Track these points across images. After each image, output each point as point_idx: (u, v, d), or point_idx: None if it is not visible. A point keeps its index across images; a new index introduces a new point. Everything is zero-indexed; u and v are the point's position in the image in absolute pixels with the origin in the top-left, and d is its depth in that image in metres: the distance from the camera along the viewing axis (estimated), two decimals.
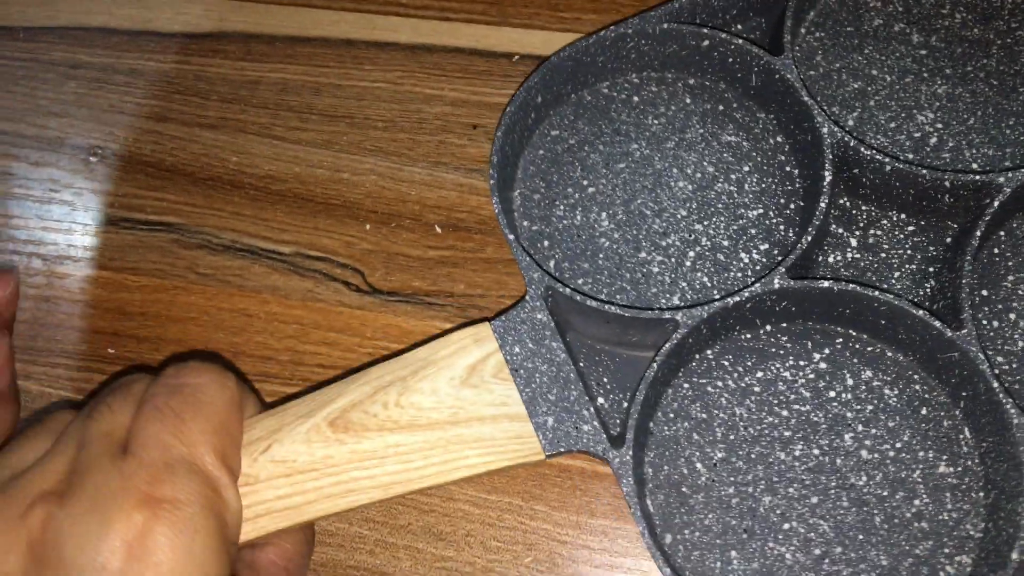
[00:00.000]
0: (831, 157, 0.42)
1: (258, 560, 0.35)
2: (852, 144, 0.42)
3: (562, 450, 0.38)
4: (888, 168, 0.41)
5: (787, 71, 0.43)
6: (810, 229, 0.40)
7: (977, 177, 0.40)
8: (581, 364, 0.42)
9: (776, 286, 0.40)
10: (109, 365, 0.46)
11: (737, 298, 0.40)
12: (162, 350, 0.46)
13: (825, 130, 0.42)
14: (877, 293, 0.39)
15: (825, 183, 0.41)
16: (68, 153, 0.51)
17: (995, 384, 0.37)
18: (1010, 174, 0.40)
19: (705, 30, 0.45)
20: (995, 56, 0.46)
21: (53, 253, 0.49)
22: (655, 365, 0.39)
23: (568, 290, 0.40)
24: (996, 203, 0.40)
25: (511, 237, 0.42)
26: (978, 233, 0.39)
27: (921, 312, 0.38)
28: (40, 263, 0.48)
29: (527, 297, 0.41)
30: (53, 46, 0.53)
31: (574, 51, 0.45)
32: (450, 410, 0.37)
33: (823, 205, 0.41)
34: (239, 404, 0.34)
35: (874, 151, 0.41)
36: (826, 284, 0.39)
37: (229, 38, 0.53)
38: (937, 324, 0.38)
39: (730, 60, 0.46)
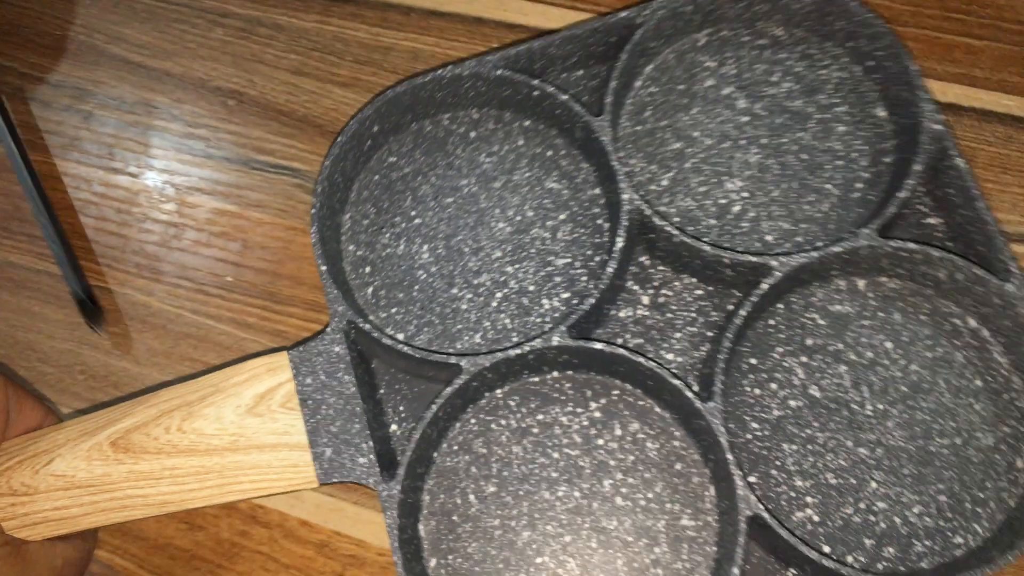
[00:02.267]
0: (626, 223, 0.44)
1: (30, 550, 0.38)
2: (647, 212, 0.44)
3: (335, 480, 0.41)
4: (676, 240, 0.44)
5: (602, 132, 0.46)
6: (595, 292, 0.43)
7: (753, 259, 0.43)
8: (382, 391, 0.46)
9: (555, 343, 0.43)
10: (227, 292, 0.50)
11: (518, 351, 0.43)
12: (277, 283, 0.50)
13: (625, 196, 0.45)
14: (642, 360, 0.42)
15: (616, 248, 0.44)
16: (209, 94, 0.54)
17: (729, 456, 0.41)
18: (783, 258, 0.43)
19: (535, 81, 0.47)
20: (811, 130, 0.49)
21: (185, 184, 0.52)
22: (434, 407, 0.42)
23: (367, 326, 0.43)
24: (766, 285, 0.43)
25: (323, 268, 0.44)
26: (742, 312, 0.43)
27: (677, 382, 0.42)
28: (172, 191, 0.52)
29: (328, 329, 0.44)
30: None
31: (411, 87, 0.47)
32: (231, 437, 0.40)
33: (610, 270, 0.44)
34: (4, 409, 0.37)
35: (664, 223, 0.44)
36: (599, 346, 0.43)
37: (368, 5, 0.55)
38: (688, 394, 0.42)
39: (557, 112, 0.48)
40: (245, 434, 0.40)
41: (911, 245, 0.43)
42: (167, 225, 0.52)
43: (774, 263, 0.43)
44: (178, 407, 0.40)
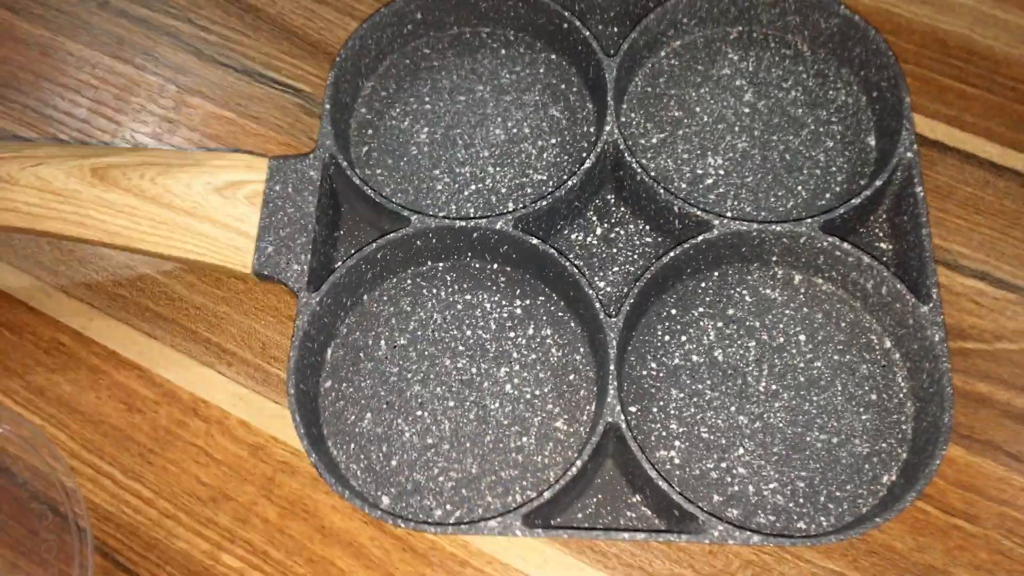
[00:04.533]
0: (599, 150, 0.48)
1: None
2: (621, 147, 0.48)
3: (266, 273, 0.46)
4: (639, 178, 0.48)
5: (608, 71, 0.50)
6: (550, 197, 0.47)
7: (698, 212, 0.46)
8: (341, 232, 0.50)
9: (498, 227, 0.47)
10: None
11: (464, 224, 0.47)
12: None
13: (607, 128, 0.48)
14: (567, 263, 0.45)
15: (583, 167, 0.48)
16: (228, 4, 0.57)
17: (611, 367, 0.43)
18: (725, 220, 0.46)
19: (566, 13, 0.51)
20: (802, 137, 0.52)
21: (188, 84, 0.55)
22: (374, 245, 0.46)
23: (344, 163, 0.48)
24: (701, 238, 0.46)
25: (327, 107, 0.49)
26: (672, 253, 0.46)
27: (590, 291, 0.45)
28: (174, 89, 0.55)
29: (311, 155, 0.48)
30: None
31: None
32: (192, 204, 0.45)
33: (571, 183, 0.47)
34: None
35: (632, 159, 0.48)
36: (534, 241, 0.46)
37: None
38: (596, 304, 0.45)
39: (579, 48, 0.52)
40: (205, 206, 0.45)
41: (845, 246, 0.46)
42: (162, 120, 0.54)
43: (715, 221, 0.46)
44: (159, 163, 0.46)
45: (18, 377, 0.48)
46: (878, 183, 0.47)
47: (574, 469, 0.42)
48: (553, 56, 0.54)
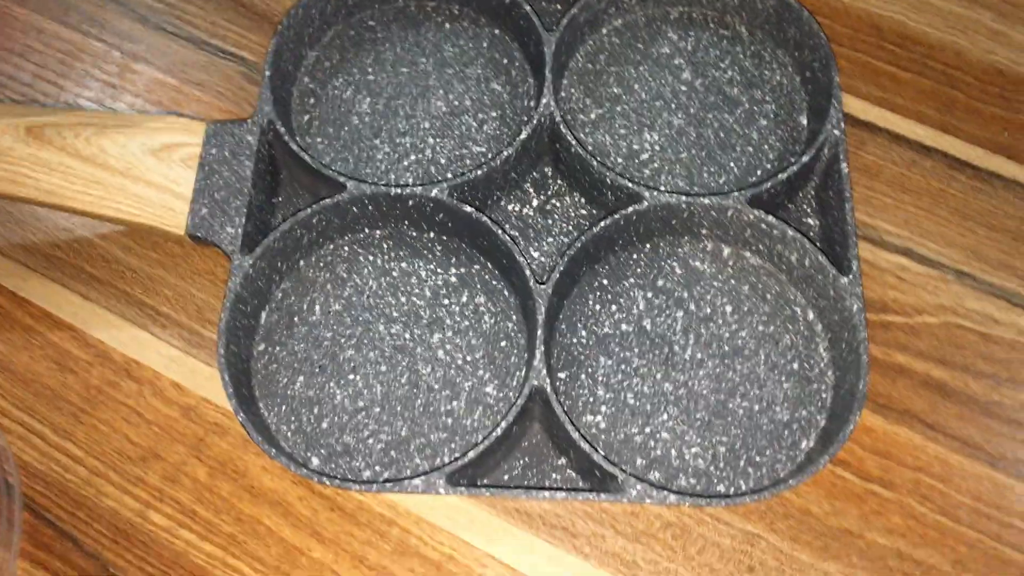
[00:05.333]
0: (535, 122, 0.49)
1: None
2: (557, 120, 0.49)
3: (200, 235, 0.46)
4: (573, 151, 0.48)
5: (547, 45, 0.51)
6: (484, 166, 0.48)
7: (629, 184, 0.47)
8: (279, 199, 0.51)
9: (433, 194, 0.47)
10: None
11: (398, 191, 0.47)
12: None
13: (544, 100, 0.49)
14: (499, 231, 0.46)
15: (519, 137, 0.48)
16: None
17: (539, 332, 0.44)
18: (655, 193, 0.47)
19: None
20: (736, 116, 0.53)
21: (133, 50, 0.55)
22: (309, 210, 0.47)
23: (282, 129, 0.48)
24: (631, 209, 0.47)
25: (267, 74, 0.50)
26: (602, 223, 0.46)
27: (521, 259, 0.46)
28: (119, 55, 0.55)
29: (248, 121, 0.49)
30: None
31: None
32: (127, 164, 0.45)
33: (507, 153, 0.48)
34: None
35: (567, 132, 0.48)
36: (468, 209, 0.47)
37: None
38: (527, 272, 0.45)
39: (522, 23, 0.53)
40: (139, 167, 0.46)
41: (770, 219, 0.47)
42: (106, 85, 0.55)
43: (646, 193, 0.47)
44: (94, 124, 0.46)
45: None
46: (804, 159, 0.48)
47: (499, 430, 0.42)
48: (496, 31, 0.55)
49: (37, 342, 0.48)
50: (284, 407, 0.46)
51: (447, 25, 0.55)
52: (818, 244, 0.48)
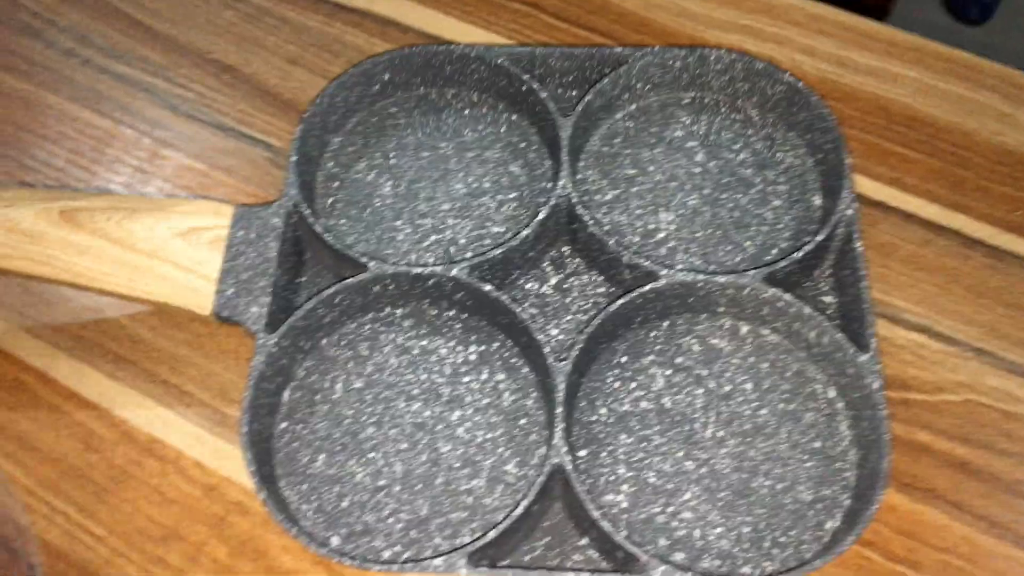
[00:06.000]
0: (553, 203, 0.50)
1: None
2: (575, 200, 0.50)
3: (225, 315, 0.47)
4: (591, 230, 0.49)
5: (563, 130, 0.52)
6: (504, 245, 0.49)
7: (645, 263, 0.48)
8: (304, 279, 0.52)
9: (453, 274, 0.48)
10: None
11: (420, 271, 0.48)
12: None
13: (561, 182, 0.51)
14: (517, 309, 0.47)
15: (537, 219, 0.49)
16: (205, 64, 0.60)
17: (558, 409, 0.44)
18: (670, 271, 0.48)
19: (526, 76, 0.54)
20: (750, 196, 0.54)
21: (162, 137, 0.58)
22: (332, 289, 0.48)
23: (307, 212, 0.50)
24: (649, 287, 0.48)
25: (292, 159, 0.51)
26: (620, 301, 0.47)
27: (540, 336, 0.46)
28: (149, 142, 0.57)
29: (275, 203, 0.50)
30: None
31: (423, 50, 0.55)
32: (154, 247, 0.47)
33: (525, 233, 0.49)
34: None
35: (585, 212, 0.50)
36: (487, 288, 0.48)
37: (372, 17, 0.62)
38: (546, 350, 0.46)
39: (538, 109, 0.55)
40: (167, 249, 0.47)
41: (787, 296, 0.47)
42: (136, 170, 0.57)
43: (662, 272, 0.48)
44: (125, 208, 0.47)
45: None
46: (819, 238, 0.49)
47: (519, 509, 0.42)
48: (514, 116, 0.57)
49: (63, 421, 0.49)
50: (305, 485, 0.46)
51: (466, 111, 0.57)
52: (835, 322, 0.48)
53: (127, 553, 0.45)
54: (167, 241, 0.47)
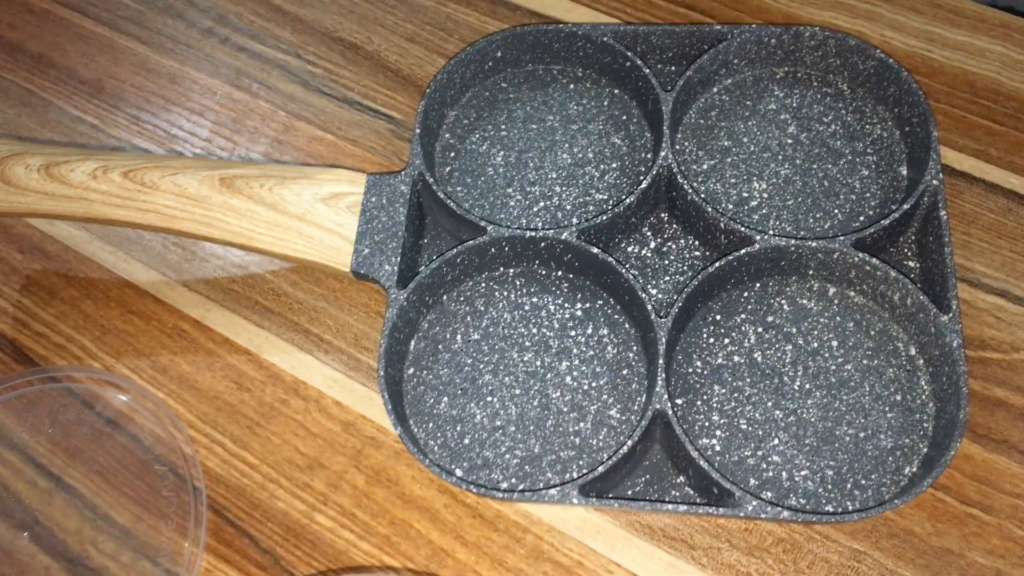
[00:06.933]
0: (654, 172, 0.54)
1: None
2: (674, 170, 0.54)
3: (362, 272, 0.53)
4: (689, 198, 0.54)
5: (664, 104, 0.56)
6: (609, 212, 0.53)
7: (741, 228, 0.52)
8: (425, 240, 0.57)
9: (563, 237, 0.53)
10: None
11: (533, 234, 0.53)
12: None
13: (663, 153, 0.55)
14: (623, 270, 0.52)
15: (639, 187, 0.54)
16: (331, 42, 0.66)
17: (660, 361, 0.49)
18: (766, 236, 0.52)
19: (629, 53, 0.58)
20: (839, 167, 0.57)
21: (296, 110, 0.64)
22: (454, 251, 0.53)
23: (431, 180, 0.55)
24: (744, 251, 0.52)
25: (417, 131, 0.57)
26: (717, 263, 0.52)
27: (643, 295, 0.51)
28: (284, 115, 0.64)
29: (402, 172, 0.56)
30: None
31: (535, 29, 0.60)
32: (302, 210, 0.53)
33: (628, 200, 0.54)
34: None
35: (684, 181, 0.54)
36: (594, 251, 0.52)
37: None
38: (649, 307, 0.51)
39: (640, 84, 0.59)
40: (313, 212, 0.53)
41: (874, 261, 0.51)
42: (273, 140, 0.62)
43: (757, 237, 0.52)
44: (275, 176, 0.53)
45: (145, 357, 0.56)
46: (906, 207, 0.52)
47: (625, 448, 0.47)
48: (616, 91, 0.61)
49: (218, 364, 0.55)
50: (431, 424, 0.52)
51: (572, 86, 0.62)
52: (919, 285, 0.52)
53: (277, 479, 0.52)
54: (313, 205, 0.53)
